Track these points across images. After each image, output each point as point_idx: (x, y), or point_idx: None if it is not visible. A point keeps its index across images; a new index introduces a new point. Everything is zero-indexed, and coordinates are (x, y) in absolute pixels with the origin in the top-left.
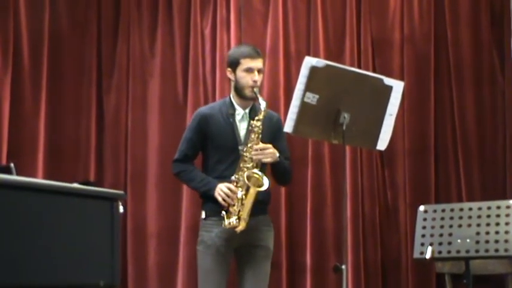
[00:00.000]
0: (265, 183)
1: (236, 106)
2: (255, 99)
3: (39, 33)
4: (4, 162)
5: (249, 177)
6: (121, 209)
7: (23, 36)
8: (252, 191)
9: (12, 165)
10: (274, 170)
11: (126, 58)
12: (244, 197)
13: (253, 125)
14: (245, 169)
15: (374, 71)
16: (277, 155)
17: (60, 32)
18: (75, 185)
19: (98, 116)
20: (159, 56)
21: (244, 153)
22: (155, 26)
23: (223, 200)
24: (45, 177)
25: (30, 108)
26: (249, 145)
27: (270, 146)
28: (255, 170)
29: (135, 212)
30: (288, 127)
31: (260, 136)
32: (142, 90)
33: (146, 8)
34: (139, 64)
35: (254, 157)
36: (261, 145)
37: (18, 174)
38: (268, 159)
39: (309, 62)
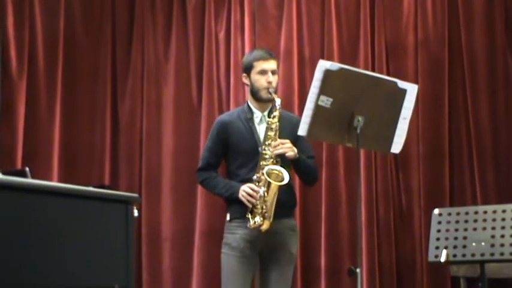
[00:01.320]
0: (286, 177)
1: (254, 110)
2: (272, 100)
3: (54, 38)
4: (19, 166)
5: (268, 173)
6: (135, 212)
7: (38, 41)
8: (273, 186)
9: (27, 169)
10: (297, 169)
11: (141, 62)
12: (266, 194)
13: (270, 122)
14: (265, 166)
15: (388, 74)
16: (296, 150)
17: (75, 37)
18: (90, 188)
19: (112, 121)
20: (174, 60)
21: (264, 152)
22: (169, 30)
23: (247, 200)
24: (60, 181)
25: (45, 112)
26: (267, 142)
27: (287, 140)
28: (274, 166)
29: (150, 216)
30: (302, 130)
31: (277, 132)
32: (157, 95)
33: (160, 13)
34: (153, 68)
35: (273, 153)
36: (280, 140)
37: (33, 178)
38: (290, 154)
39: (323, 65)
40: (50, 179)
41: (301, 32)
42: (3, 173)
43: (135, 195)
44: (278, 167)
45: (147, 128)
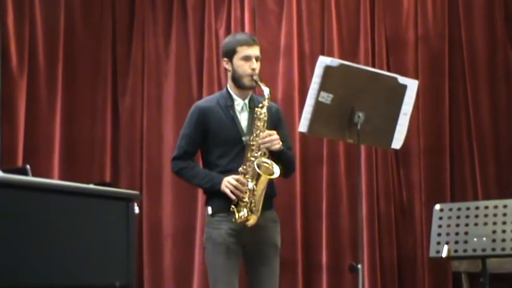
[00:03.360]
0: (276, 170)
1: (235, 97)
2: (255, 87)
3: (54, 35)
4: (20, 163)
5: (259, 166)
6: (136, 209)
7: (39, 38)
8: (264, 179)
9: (28, 166)
10: (277, 161)
11: (141, 59)
12: (255, 187)
13: (259, 112)
14: (253, 159)
15: (388, 70)
16: (281, 143)
17: (75, 34)
18: (91, 186)
19: (113, 117)
20: (174, 57)
21: (251, 142)
22: (169, 26)
23: (232, 192)
24: (61, 178)
25: (46, 109)
26: (254, 134)
27: (275, 132)
28: (264, 159)
29: (151, 213)
30: (303, 127)
31: (266, 124)
32: (157, 91)
33: (160, 9)
34: (154, 65)
35: (262, 145)
36: (267, 132)
37: (34, 175)
38: (276, 146)
39: (323, 61)
40: (50, 176)
41: (301, 28)
42: (4, 171)
43: (136, 192)
44: (268, 160)
45: (148, 124)
